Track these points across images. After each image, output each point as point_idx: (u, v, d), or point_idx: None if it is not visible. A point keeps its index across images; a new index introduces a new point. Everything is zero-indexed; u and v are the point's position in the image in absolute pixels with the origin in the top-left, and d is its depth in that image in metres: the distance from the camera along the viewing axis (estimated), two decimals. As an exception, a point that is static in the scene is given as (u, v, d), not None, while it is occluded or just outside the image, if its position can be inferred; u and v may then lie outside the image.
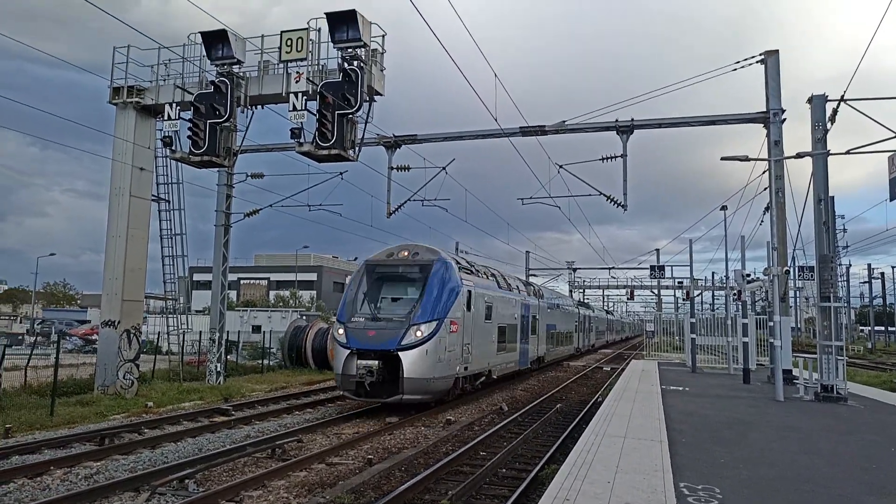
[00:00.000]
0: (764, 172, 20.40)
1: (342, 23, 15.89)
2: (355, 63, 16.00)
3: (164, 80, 18.47)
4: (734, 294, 23.95)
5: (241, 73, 17.67)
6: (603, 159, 21.44)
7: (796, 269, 30.82)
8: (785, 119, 19.51)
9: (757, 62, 19.79)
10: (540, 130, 21.50)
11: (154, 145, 19.35)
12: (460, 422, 16.27)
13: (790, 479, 7.84)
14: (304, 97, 16.14)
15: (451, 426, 15.60)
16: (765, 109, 19.67)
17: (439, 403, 18.03)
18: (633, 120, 20.70)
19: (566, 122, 21.40)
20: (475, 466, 11.60)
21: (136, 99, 18.38)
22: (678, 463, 8.46)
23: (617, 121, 20.81)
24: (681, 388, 18.13)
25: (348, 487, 9.74)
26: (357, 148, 16.74)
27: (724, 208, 27.44)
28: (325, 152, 16.08)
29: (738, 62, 19.91)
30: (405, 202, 23.47)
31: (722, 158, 17.23)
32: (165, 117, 17.62)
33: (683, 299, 43.94)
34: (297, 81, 16.15)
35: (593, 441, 9.87)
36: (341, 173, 22.22)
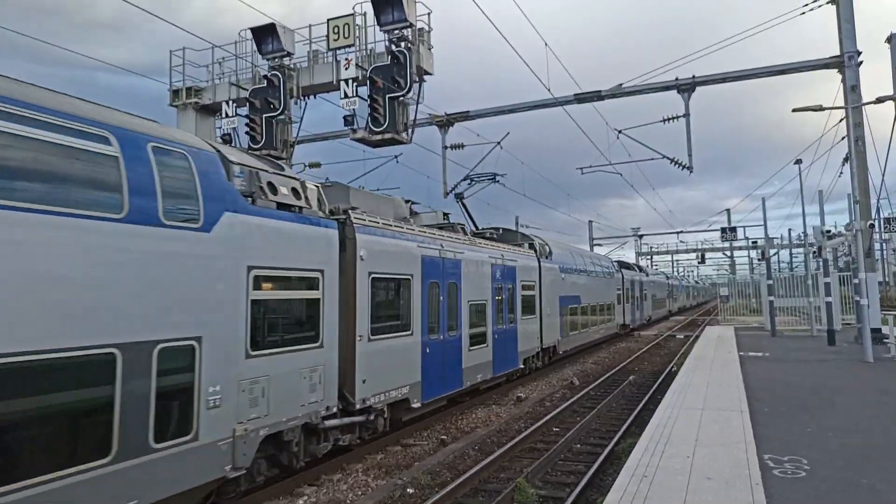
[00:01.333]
0: (841, 121, 19.13)
1: (387, 4, 15.79)
2: (402, 44, 15.89)
3: (220, 79, 18.91)
4: (814, 251, 22.72)
5: (292, 65, 17.88)
6: (664, 120, 20.62)
7: (881, 221, 28.95)
8: (862, 62, 18.17)
9: (827, 2, 18.47)
10: (595, 96, 20.85)
11: (215, 142, 19.91)
12: (531, 398, 16.19)
13: (885, 448, 7.39)
14: (355, 83, 16.20)
15: (522, 403, 15.55)
16: (838, 53, 18.37)
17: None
18: (693, 77, 19.75)
19: (623, 86, 20.65)
20: (549, 443, 11.53)
21: (195, 100, 18.91)
22: (761, 434, 8.12)
23: (677, 79, 19.91)
24: (760, 354, 17.41)
25: (424, 468, 9.85)
26: (410, 130, 16.70)
27: (798, 162, 26.01)
28: (378, 137, 16.13)
29: (807, 4, 18.63)
30: (461, 181, 23.32)
31: (793, 110, 16.23)
32: (223, 115, 18.12)
33: (759, 260, 42.07)
34: (346, 68, 16.21)
35: (670, 413, 9.60)
36: (396, 156, 22.27)
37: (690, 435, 8.16)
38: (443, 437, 12.06)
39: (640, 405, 14.43)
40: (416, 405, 11.50)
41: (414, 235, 11.83)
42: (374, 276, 10.16)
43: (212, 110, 19.27)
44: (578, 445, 11.59)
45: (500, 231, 19.72)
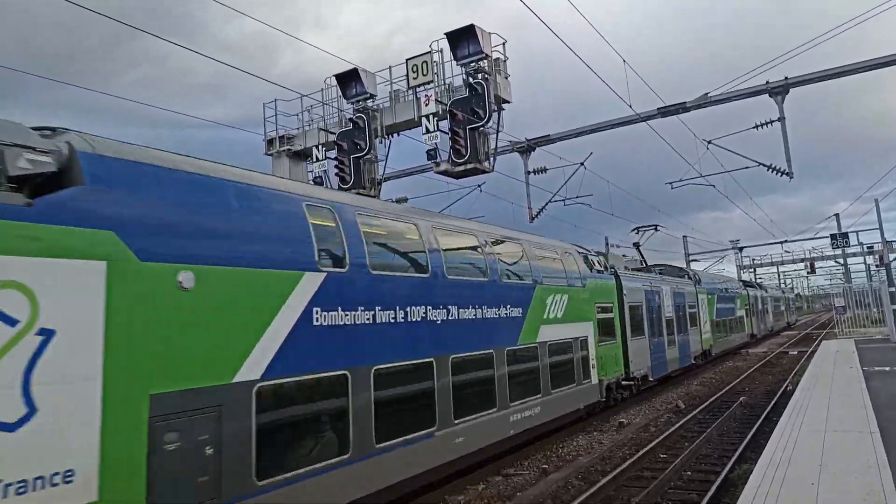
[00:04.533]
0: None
1: (462, 39, 16.12)
2: (479, 76, 16.13)
3: (309, 126, 19.90)
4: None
5: (375, 106, 18.55)
6: (757, 126, 19.65)
7: None
8: (980, 43, 16.62)
9: (933, -15, 17.09)
10: (680, 108, 20.18)
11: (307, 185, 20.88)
12: (634, 424, 15.60)
13: None
14: (436, 118, 16.57)
15: (624, 429, 15.01)
16: (951, 37, 16.91)
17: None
18: (786, 79, 18.73)
19: (709, 95, 19.90)
20: (657, 470, 11.05)
21: (287, 147, 19.98)
22: (897, 457, 7.41)
23: (768, 82, 18.94)
24: (888, 369, 15.96)
25: (527, 499, 9.70)
26: (492, 159, 16.82)
27: (913, 158, 23.96)
28: (461, 168, 16.34)
29: (908, -10, 17.32)
30: (546, 204, 23.13)
31: (903, 102, 15.04)
32: (314, 159, 19.03)
33: (877, 265, 38.71)
34: (426, 105, 16.62)
35: (788, 436, 8.96)
36: (479, 185, 22.45)
37: (813, 459, 7.57)
38: (544, 465, 11.82)
39: (755, 428, 13.57)
40: None
41: None
42: None
43: (303, 155, 20.26)
44: (689, 473, 11.03)
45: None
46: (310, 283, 7.51)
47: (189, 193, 6.55)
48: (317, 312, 7.53)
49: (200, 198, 6.66)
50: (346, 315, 8.00)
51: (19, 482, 4.68)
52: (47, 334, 5.01)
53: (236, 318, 6.58)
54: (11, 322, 4.81)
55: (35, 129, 5.76)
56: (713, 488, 9.49)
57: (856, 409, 10.67)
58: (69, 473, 4.99)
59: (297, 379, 7.18)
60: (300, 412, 7.35)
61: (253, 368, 6.64)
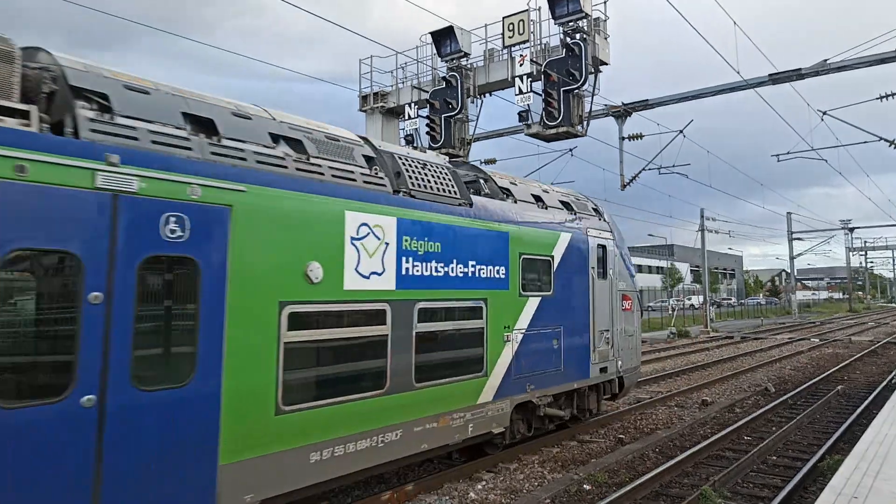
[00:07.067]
0: None
1: (562, -3, 15.64)
2: (577, 36, 15.65)
3: (403, 83, 20.06)
4: None
5: (469, 65, 18.44)
6: (881, 98, 18.05)
7: None
8: None
9: None
10: (795, 75, 18.79)
11: (398, 144, 21.21)
12: (718, 403, 15.14)
13: None
14: (529, 79, 16.29)
15: (707, 407, 14.60)
16: None
17: None
18: (921, 43, 17.01)
19: (828, 61, 18.39)
20: (739, 452, 10.72)
21: (381, 104, 20.27)
22: None
23: (898, 48, 17.27)
24: None
25: (601, 466, 9.69)
26: (585, 122, 16.40)
27: None
28: (552, 131, 16.06)
29: None
30: (640, 172, 22.40)
31: None
32: (406, 117, 19.24)
33: None
34: (521, 65, 16.35)
35: (888, 430, 8.44)
36: (571, 149, 21.99)
37: (915, 455, 7.12)
38: (621, 436, 11.74)
39: (851, 418, 12.82)
40: None
41: None
42: None
43: (396, 113, 20.52)
44: (774, 458, 10.63)
45: None
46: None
47: None
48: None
49: None
50: None
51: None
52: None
53: None
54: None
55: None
56: (799, 475, 9.10)
57: (970, 407, 9.88)
58: None
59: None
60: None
61: None
